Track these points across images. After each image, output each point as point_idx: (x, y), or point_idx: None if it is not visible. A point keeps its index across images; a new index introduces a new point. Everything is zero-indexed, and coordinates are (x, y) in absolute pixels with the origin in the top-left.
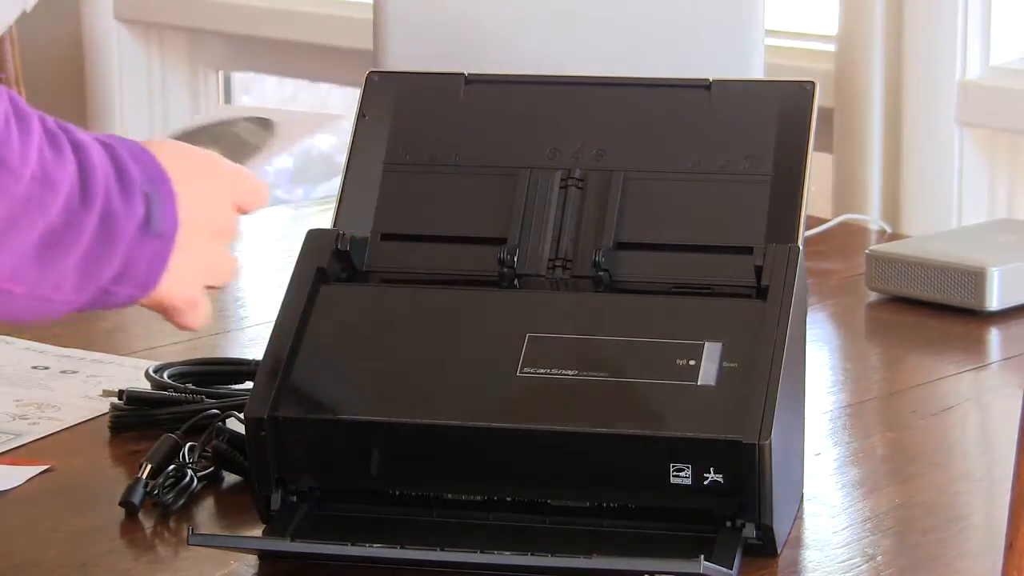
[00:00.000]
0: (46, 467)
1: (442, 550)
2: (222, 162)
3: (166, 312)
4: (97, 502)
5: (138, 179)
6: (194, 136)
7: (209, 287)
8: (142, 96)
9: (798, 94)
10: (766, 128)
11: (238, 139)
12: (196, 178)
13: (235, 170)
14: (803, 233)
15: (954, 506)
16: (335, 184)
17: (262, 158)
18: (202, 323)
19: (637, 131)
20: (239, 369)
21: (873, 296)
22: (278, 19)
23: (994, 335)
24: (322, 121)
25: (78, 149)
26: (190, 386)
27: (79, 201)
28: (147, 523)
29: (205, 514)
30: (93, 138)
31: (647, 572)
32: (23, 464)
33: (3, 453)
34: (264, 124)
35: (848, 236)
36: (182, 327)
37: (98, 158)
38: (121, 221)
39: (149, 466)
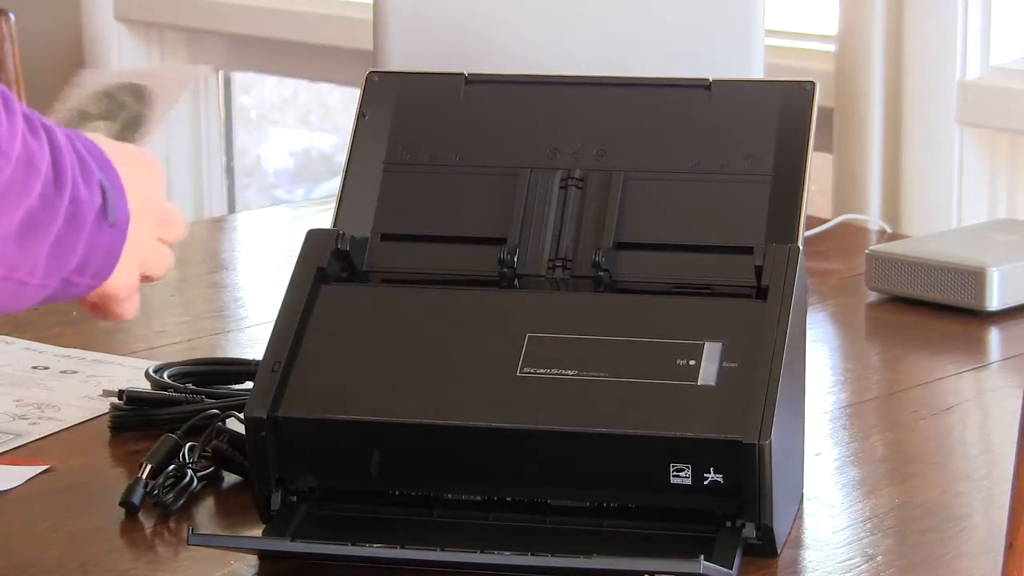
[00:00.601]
0: (46, 467)
1: (442, 550)
2: (150, 157)
3: (105, 302)
4: (97, 502)
5: (95, 168)
6: (86, 116)
7: (144, 278)
8: None
9: (798, 94)
10: (766, 128)
11: (127, 114)
12: (136, 171)
13: (159, 166)
14: (803, 233)
15: (954, 506)
16: (335, 184)
17: (149, 133)
18: (133, 314)
19: (637, 131)
20: (239, 369)
21: (873, 296)
22: (278, 19)
23: (994, 335)
24: (186, 75)
25: (49, 134)
26: (190, 386)
27: (53, 185)
28: (147, 523)
29: (205, 514)
30: (64, 133)
31: (647, 572)
32: (23, 464)
33: (3, 453)
34: (138, 93)
35: (848, 236)
36: (116, 317)
37: (64, 144)
38: (85, 209)
39: (149, 466)
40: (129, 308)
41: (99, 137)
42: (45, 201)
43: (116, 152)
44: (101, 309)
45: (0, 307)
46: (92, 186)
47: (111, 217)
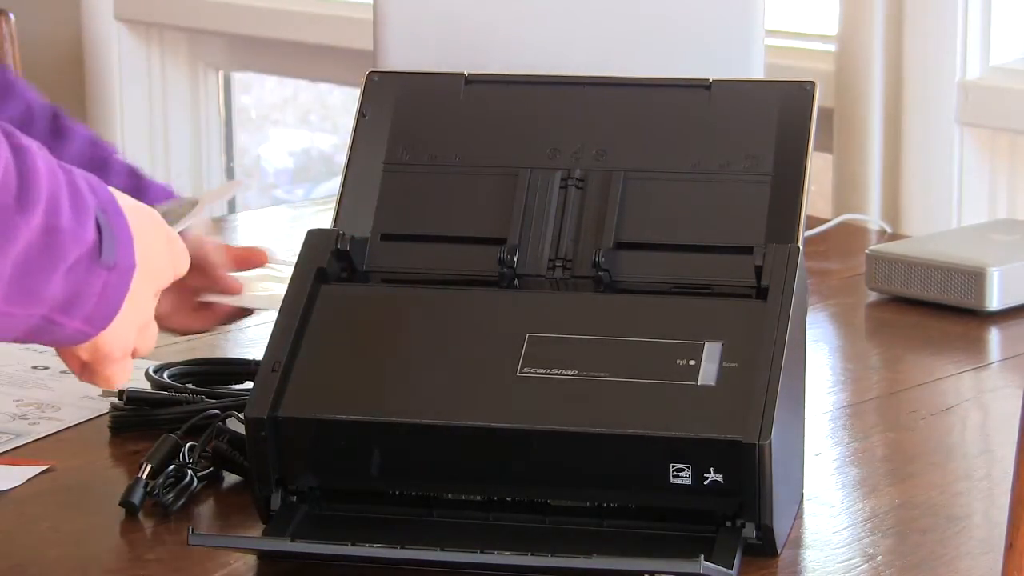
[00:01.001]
0: (46, 467)
1: (442, 550)
2: (164, 222)
3: (97, 359)
4: (97, 502)
5: (92, 205)
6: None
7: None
8: (142, 96)
9: (798, 94)
10: (766, 128)
11: (170, 212)
12: (147, 226)
13: (173, 234)
14: (803, 233)
15: (954, 506)
16: (335, 184)
17: (183, 222)
18: (124, 381)
19: (637, 131)
20: (239, 369)
21: (873, 296)
22: (278, 19)
23: (994, 335)
24: (229, 188)
25: (20, 152)
26: (190, 386)
27: (14, 203)
28: (147, 523)
29: (205, 514)
30: (49, 157)
31: (647, 572)
32: (23, 464)
33: (3, 453)
34: (191, 202)
35: (848, 236)
36: (104, 382)
37: (44, 168)
38: (66, 239)
39: (149, 466)
40: (120, 372)
41: (119, 193)
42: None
43: (133, 209)
44: (90, 369)
45: None
46: (83, 220)
47: (107, 258)
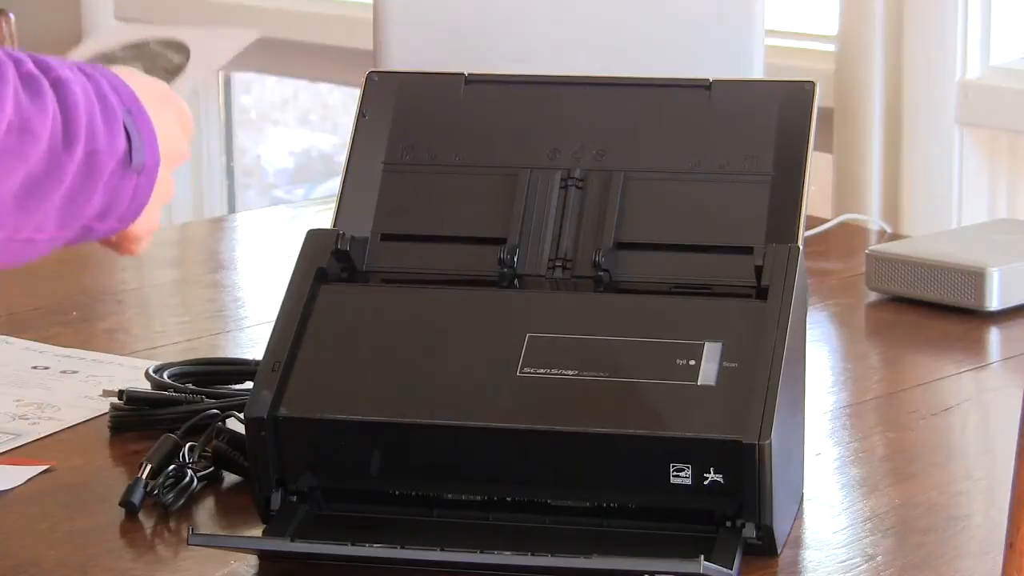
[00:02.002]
0: (46, 467)
1: (442, 550)
2: (161, 85)
3: (123, 241)
4: (97, 502)
5: (119, 111)
6: (111, 60)
7: None
8: None
9: (798, 94)
10: (766, 128)
11: (164, 62)
12: (160, 108)
13: (170, 92)
14: (803, 233)
15: (954, 506)
16: (335, 184)
17: (185, 80)
18: (144, 250)
19: (637, 131)
20: (239, 369)
21: (873, 296)
22: (278, 19)
23: (994, 335)
24: (235, 39)
25: (60, 88)
26: (190, 386)
27: (61, 144)
28: (147, 523)
29: (205, 514)
30: (76, 67)
31: (647, 572)
32: (23, 464)
33: (3, 453)
34: (177, 47)
35: (848, 236)
36: (128, 254)
37: (81, 94)
38: (104, 158)
39: (149, 466)
40: (144, 246)
41: (129, 73)
42: (50, 163)
43: (146, 92)
44: (116, 245)
45: (13, 262)
46: (114, 132)
47: (136, 162)
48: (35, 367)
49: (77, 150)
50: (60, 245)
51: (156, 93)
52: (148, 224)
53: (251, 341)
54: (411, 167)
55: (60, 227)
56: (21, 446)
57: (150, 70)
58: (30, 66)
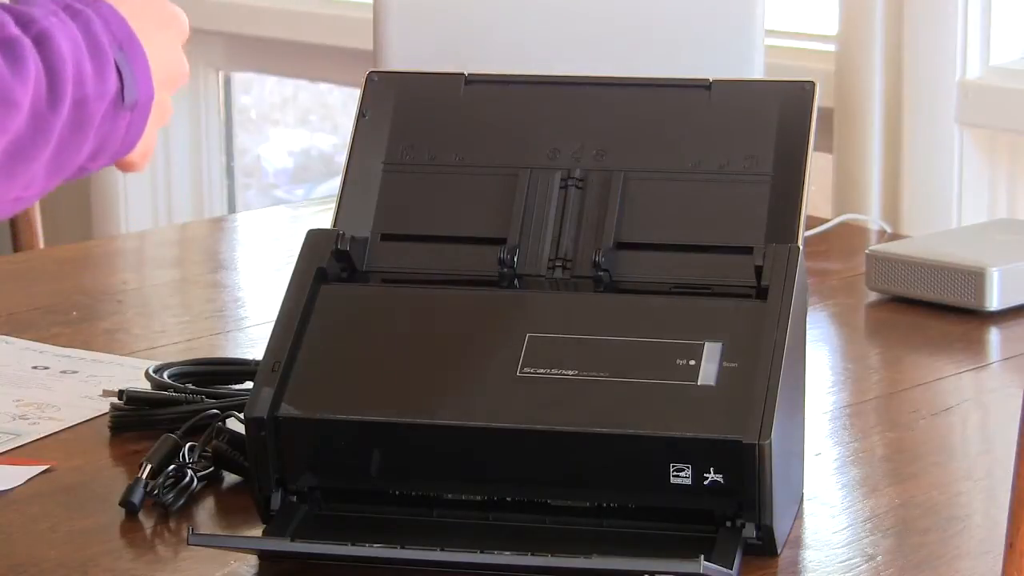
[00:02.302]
0: (46, 467)
1: (442, 550)
2: (166, 6)
3: (121, 165)
4: (97, 502)
5: (110, 49)
6: None
7: None
8: None
9: (798, 94)
10: (766, 128)
11: None
12: (156, 31)
13: (175, 12)
14: (803, 233)
15: (954, 506)
16: (335, 184)
17: None
18: (148, 161)
19: (637, 131)
20: (239, 369)
21: (873, 296)
22: (278, 19)
23: (994, 335)
24: None
25: (44, 43)
26: (190, 386)
27: (46, 105)
28: (147, 523)
29: (205, 514)
30: (62, 6)
31: (647, 572)
32: (23, 464)
33: (3, 453)
34: None
35: (848, 236)
36: (130, 171)
37: (68, 44)
38: (93, 105)
39: (149, 466)
40: (143, 165)
41: None
42: (35, 127)
43: (145, 17)
44: (121, 167)
45: (3, 218)
46: (104, 76)
47: (129, 100)
48: (35, 367)
49: (63, 107)
50: (53, 188)
51: (156, 15)
52: (144, 148)
53: (251, 341)
54: (411, 167)
55: (50, 179)
56: (21, 446)
57: None
58: (11, 29)
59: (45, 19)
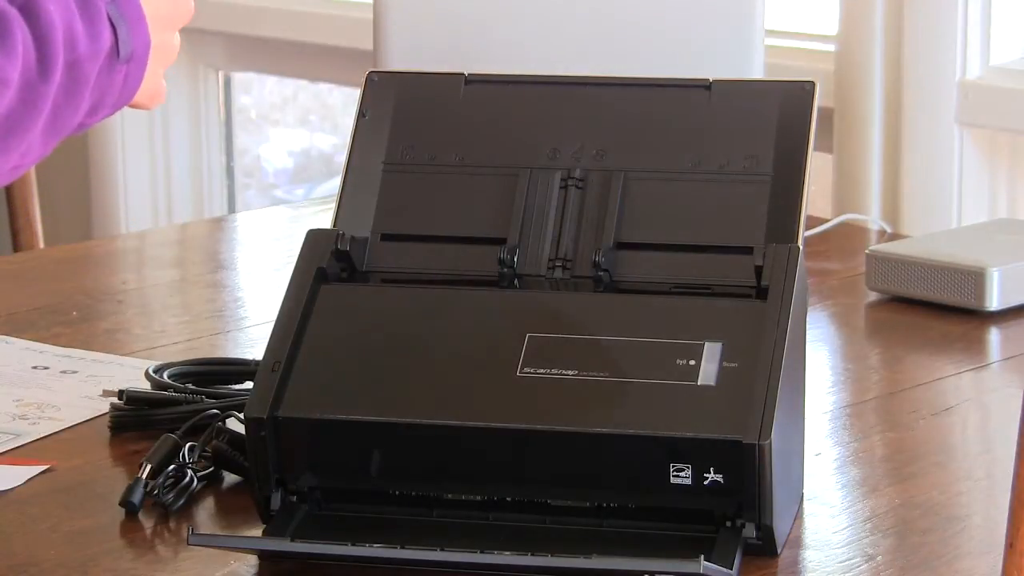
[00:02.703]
0: (46, 467)
1: (442, 550)
2: None
3: (135, 107)
4: (97, 502)
5: (102, 4)
6: None
7: None
8: None
9: (798, 94)
10: (766, 128)
11: None
12: None
13: None
14: (803, 233)
15: (954, 506)
16: (335, 184)
17: None
18: (162, 101)
19: (637, 131)
20: (239, 369)
21: (873, 296)
22: (278, 19)
23: (994, 335)
24: None
25: (31, 13)
26: (190, 386)
27: (37, 75)
28: (147, 523)
29: (205, 514)
30: None
31: (647, 572)
32: (23, 464)
33: (3, 453)
34: None
35: (848, 236)
36: (146, 108)
37: (56, 8)
38: (87, 66)
39: (149, 466)
40: (156, 103)
41: None
42: (27, 98)
43: None
44: (131, 107)
45: (3, 184)
46: (97, 33)
47: (124, 52)
48: (35, 367)
49: (55, 73)
50: (51, 150)
51: None
52: (152, 89)
53: (251, 341)
54: (411, 167)
55: (47, 143)
56: (21, 446)
57: None
58: None
59: None
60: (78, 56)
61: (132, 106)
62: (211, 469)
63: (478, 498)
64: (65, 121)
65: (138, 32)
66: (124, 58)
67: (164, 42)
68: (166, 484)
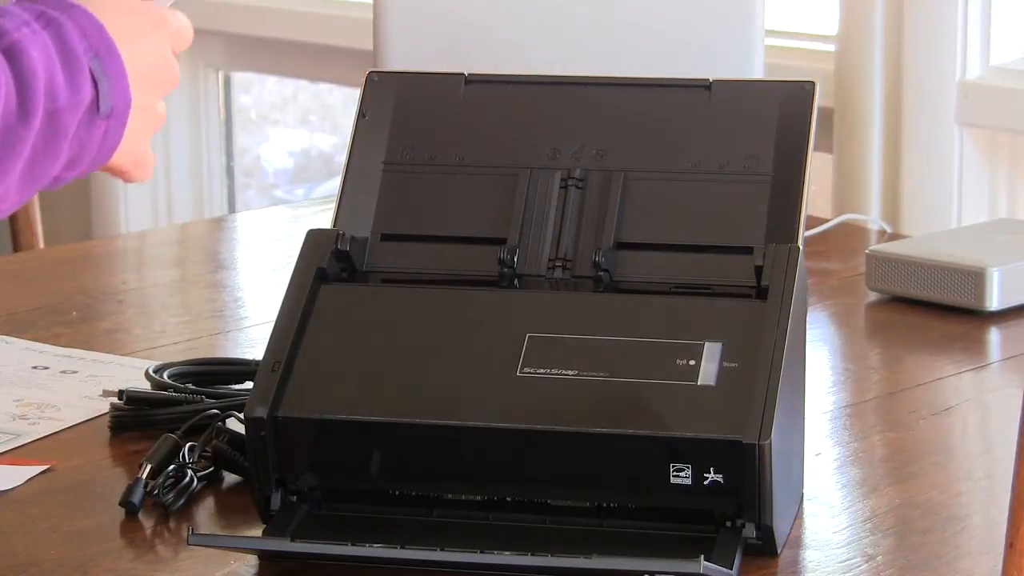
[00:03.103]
0: (46, 467)
1: (442, 550)
2: (155, 10)
3: (114, 174)
4: (97, 502)
5: (84, 58)
6: None
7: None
8: None
9: (798, 94)
10: (766, 128)
11: None
12: (139, 35)
13: (164, 16)
14: (803, 233)
15: (954, 506)
16: (335, 184)
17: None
18: (149, 176)
19: (637, 131)
20: (239, 369)
21: (873, 296)
22: (278, 19)
23: (994, 335)
24: None
25: (14, 56)
26: (190, 386)
27: (17, 118)
28: (147, 523)
29: (205, 514)
30: (40, 14)
31: (647, 572)
32: (23, 464)
33: (3, 453)
34: None
35: (848, 236)
36: (131, 182)
37: (39, 55)
38: (67, 116)
39: (149, 466)
40: (143, 174)
41: (113, 4)
42: (5, 141)
43: (129, 23)
44: (116, 175)
45: None
46: (78, 85)
47: (104, 107)
48: (35, 367)
49: (35, 119)
50: (26, 200)
51: (142, 20)
52: (135, 155)
53: (251, 341)
54: (411, 167)
55: (24, 191)
56: (21, 446)
57: None
58: None
59: (16, 31)
60: (58, 106)
61: (116, 173)
62: (211, 469)
63: (478, 498)
64: (43, 170)
65: (119, 89)
66: (104, 113)
67: (147, 104)
68: (166, 484)
